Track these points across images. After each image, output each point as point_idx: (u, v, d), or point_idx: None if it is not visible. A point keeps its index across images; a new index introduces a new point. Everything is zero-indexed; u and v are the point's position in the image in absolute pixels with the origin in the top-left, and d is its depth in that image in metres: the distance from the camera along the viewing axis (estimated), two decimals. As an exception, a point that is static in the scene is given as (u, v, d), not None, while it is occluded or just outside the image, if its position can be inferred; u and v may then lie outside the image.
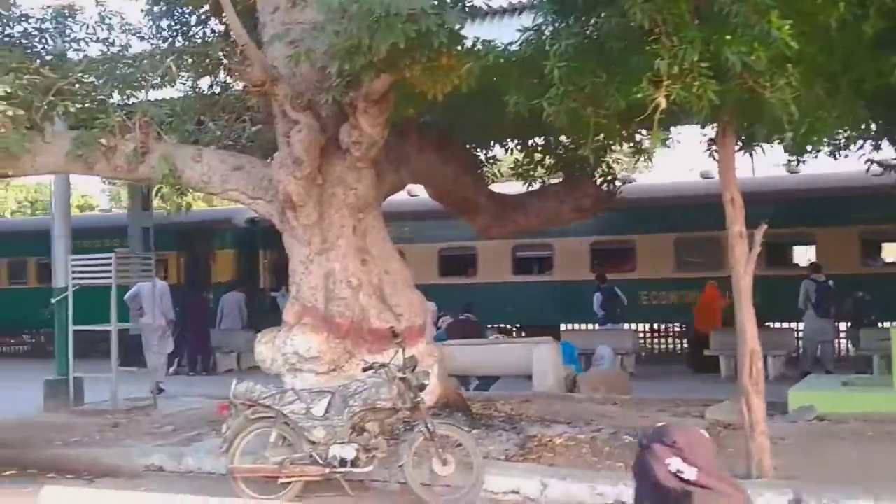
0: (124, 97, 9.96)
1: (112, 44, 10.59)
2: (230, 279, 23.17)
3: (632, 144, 9.77)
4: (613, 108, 7.29)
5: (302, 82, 9.17)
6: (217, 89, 10.98)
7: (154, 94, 10.35)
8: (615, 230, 20.78)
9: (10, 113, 8.47)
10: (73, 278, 12.85)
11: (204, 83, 11.01)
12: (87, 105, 9.51)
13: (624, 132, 8.91)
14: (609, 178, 11.56)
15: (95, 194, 68.62)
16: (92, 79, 9.56)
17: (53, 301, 13.42)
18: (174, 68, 9.55)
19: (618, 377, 14.89)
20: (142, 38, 11.10)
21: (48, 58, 9.90)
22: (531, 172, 12.09)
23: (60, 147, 9.51)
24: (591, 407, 11.64)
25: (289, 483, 8.15)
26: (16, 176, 9.64)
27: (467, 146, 12.10)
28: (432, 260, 22.23)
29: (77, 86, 9.52)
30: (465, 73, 7.92)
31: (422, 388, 8.29)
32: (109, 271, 12.65)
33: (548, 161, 12.27)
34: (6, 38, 10.20)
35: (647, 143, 9.48)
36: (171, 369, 21.97)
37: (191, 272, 24.81)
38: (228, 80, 10.74)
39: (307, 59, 8.08)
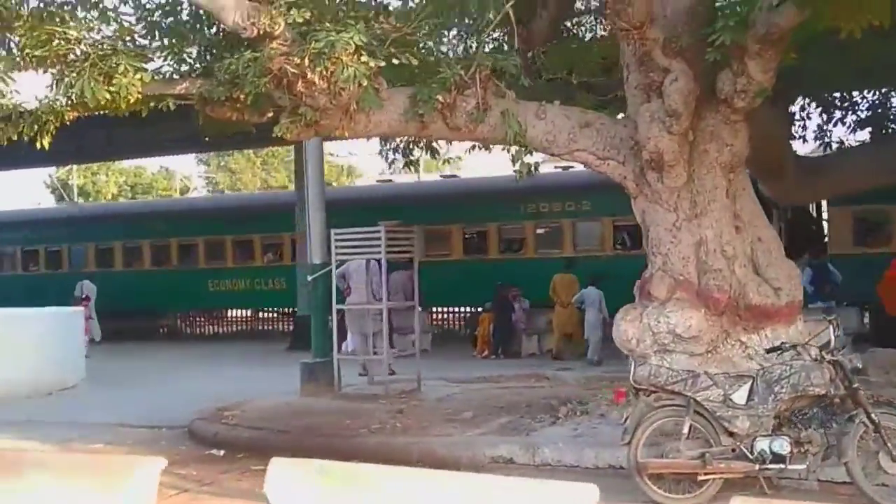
0: (457, 48, 8.98)
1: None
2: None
3: None
4: None
5: (670, 24, 8.08)
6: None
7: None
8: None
9: (371, 64, 7.54)
10: (337, 253, 12.00)
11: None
12: (424, 58, 8.54)
13: None
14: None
15: (193, 178, 69.11)
16: (425, 28, 8.56)
17: (310, 278, 12.60)
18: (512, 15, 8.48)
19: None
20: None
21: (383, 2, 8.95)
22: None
23: (396, 105, 8.56)
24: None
25: (706, 481, 7.10)
26: (347, 137, 8.73)
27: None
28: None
29: (410, 37, 8.55)
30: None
31: (856, 371, 7.15)
32: (377, 245, 11.76)
33: (849, 119, 11.03)
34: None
35: None
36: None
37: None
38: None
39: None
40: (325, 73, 7.65)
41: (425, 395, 12.03)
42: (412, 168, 13.96)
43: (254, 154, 66.54)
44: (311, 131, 8.54)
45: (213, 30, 9.04)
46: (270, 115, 8.59)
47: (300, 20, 7.94)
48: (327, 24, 7.82)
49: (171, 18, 9.21)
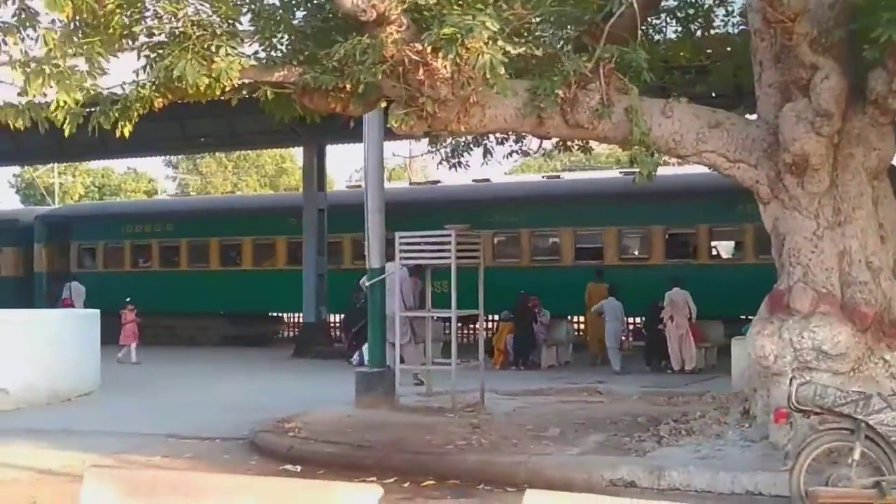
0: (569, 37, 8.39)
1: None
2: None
3: None
4: None
5: (814, 18, 7.57)
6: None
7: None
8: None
9: (509, 49, 6.93)
10: (402, 257, 11.34)
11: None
12: (545, 49, 7.96)
13: None
14: None
15: (160, 180, 67.80)
16: (538, 17, 7.96)
17: (367, 283, 11.93)
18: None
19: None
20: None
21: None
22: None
23: (513, 99, 7.96)
24: None
25: (883, 512, 6.57)
26: (461, 133, 8.14)
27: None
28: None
29: (532, 26, 7.97)
30: None
31: None
32: (446, 249, 11.12)
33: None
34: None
35: None
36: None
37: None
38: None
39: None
40: (457, 60, 7.05)
41: (491, 409, 11.41)
42: (458, 169, 13.36)
43: (225, 157, 65.53)
44: (425, 124, 7.92)
45: (313, 15, 8.42)
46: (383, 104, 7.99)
47: (422, 1, 7.34)
48: (455, 8, 7.22)
49: (261, 1, 8.58)
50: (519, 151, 12.73)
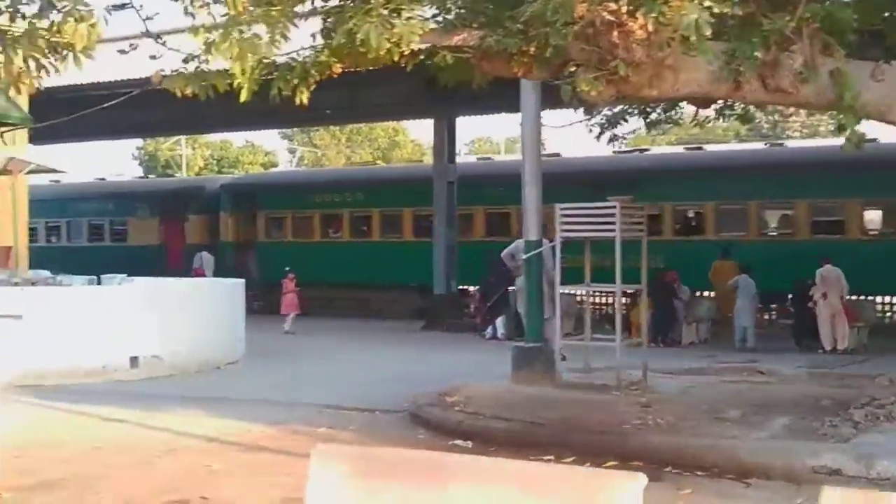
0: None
1: None
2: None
3: None
4: None
5: None
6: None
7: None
8: None
9: (716, 10, 6.48)
10: (563, 230, 10.99)
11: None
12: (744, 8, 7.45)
13: None
14: None
15: (277, 152, 68.71)
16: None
17: (524, 256, 11.62)
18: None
19: None
20: None
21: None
22: None
23: (708, 63, 7.49)
24: None
25: None
26: (651, 99, 7.76)
27: None
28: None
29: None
30: None
31: None
32: (610, 222, 10.72)
33: None
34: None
35: None
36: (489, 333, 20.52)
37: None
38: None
39: None
40: (659, 19, 6.63)
41: (657, 388, 11.00)
42: (614, 142, 12.97)
43: (339, 130, 66.14)
44: (613, 89, 7.51)
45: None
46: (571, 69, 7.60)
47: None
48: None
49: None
50: (670, 120, 12.33)
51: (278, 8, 7.15)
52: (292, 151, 65.69)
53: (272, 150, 71.93)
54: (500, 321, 20.45)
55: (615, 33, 7.06)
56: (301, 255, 24.79)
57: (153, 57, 7.85)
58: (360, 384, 12.90)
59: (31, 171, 6.54)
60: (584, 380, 11.30)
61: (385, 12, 7.17)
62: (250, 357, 15.54)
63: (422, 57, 8.07)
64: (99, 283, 15.82)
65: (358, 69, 8.01)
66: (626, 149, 25.51)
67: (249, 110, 17.43)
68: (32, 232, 30.87)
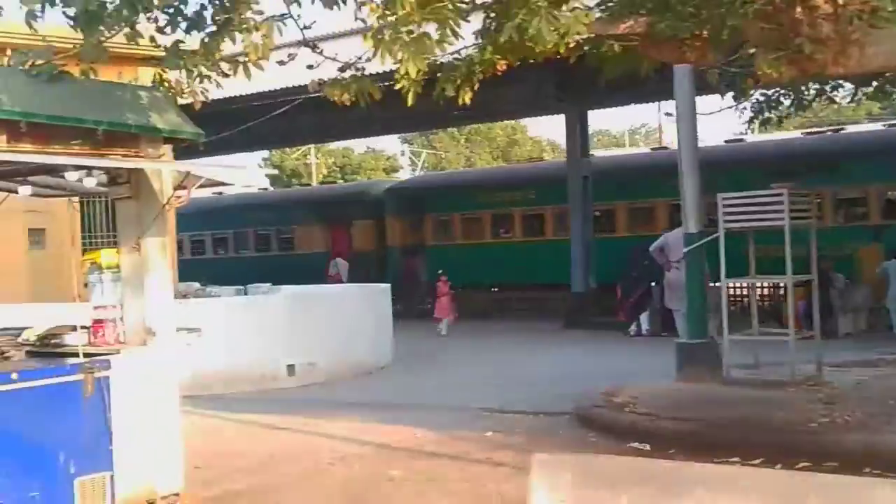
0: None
1: None
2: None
3: None
4: None
5: None
6: None
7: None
8: None
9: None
10: (726, 220, 10.55)
11: None
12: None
13: None
14: None
15: (398, 156, 69.07)
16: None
17: (685, 250, 11.21)
18: None
19: None
20: None
21: None
22: None
23: (892, 36, 7.02)
24: None
25: None
26: (835, 76, 7.36)
27: None
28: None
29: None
30: None
31: None
32: (778, 211, 10.23)
33: None
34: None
35: None
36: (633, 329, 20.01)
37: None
38: None
39: None
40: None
41: (833, 383, 10.44)
42: (768, 127, 12.53)
43: (457, 131, 66.17)
44: (795, 69, 7.12)
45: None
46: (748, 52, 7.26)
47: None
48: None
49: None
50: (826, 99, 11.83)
51: (445, 4, 7.01)
52: (416, 154, 66.05)
53: (392, 155, 72.59)
54: (644, 317, 19.99)
55: (798, 9, 6.69)
56: (471, 257, 24.66)
57: (310, 66, 7.83)
58: (515, 386, 12.72)
59: (201, 186, 6.63)
60: (754, 376, 10.81)
61: (545, 4, 6.97)
62: (401, 361, 15.57)
63: (585, 48, 7.85)
64: (245, 293, 16.10)
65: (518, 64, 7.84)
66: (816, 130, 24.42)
67: (370, 117, 17.53)
68: (199, 244, 31.37)
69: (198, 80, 7.03)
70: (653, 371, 12.47)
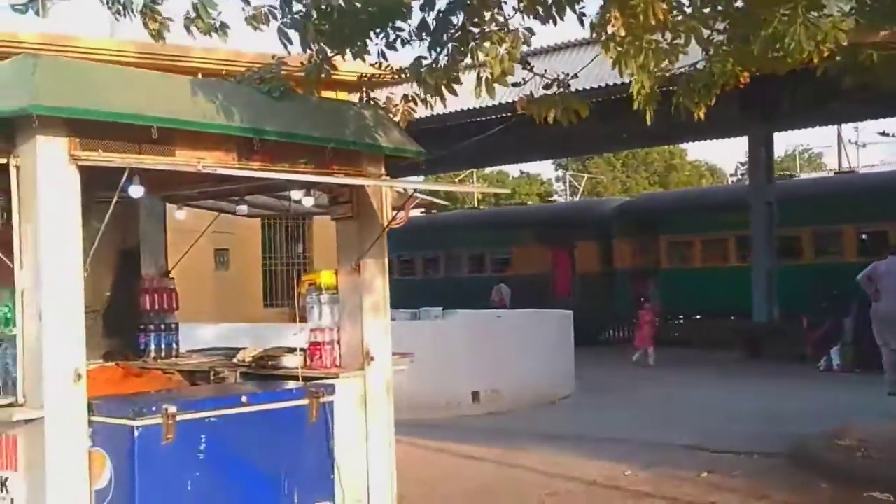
0: None
1: None
2: None
3: None
4: None
5: None
6: None
7: None
8: None
9: None
10: None
11: None
12: None
13: None
14: None
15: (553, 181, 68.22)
16: None
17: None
18: None
19: None
20: None
21: None
22: None
23: None
24: None
25: None
26: None
27: None
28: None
29: None
30: None
31: None
32: None
33: None
34: None
35: None
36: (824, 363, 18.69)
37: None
38: None
39: None
40: None
41: None
42: None
43: (613, 157, 64.98)
44: None
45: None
46: None
47: None
48: None
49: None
50: None
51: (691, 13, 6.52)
52: (576, 179, 65.06)
53: (547, 180, 72.13)
54: (834, 351, 18.76)
55: None
56: (711, 283, 23.12)
57: (515, 84, 7.42)
58: (713, 422, 11.98)
59: (415, 206, 6.41)
60: None
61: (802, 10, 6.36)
62: (582, 391, 15.02)
63: (838, 58, 7.18)
64: (418, 317, 15.85)
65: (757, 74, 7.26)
66: None
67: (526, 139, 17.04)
68: (408, 265, 30.79)
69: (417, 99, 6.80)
70: (860, 410, 11.67)
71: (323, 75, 6.56)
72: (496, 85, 6.23)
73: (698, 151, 70.08)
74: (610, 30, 6.50)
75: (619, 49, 6.54)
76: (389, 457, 6.80)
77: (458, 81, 6.37)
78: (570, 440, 10.98)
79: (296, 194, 6.88)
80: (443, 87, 6.27)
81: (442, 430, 11.67)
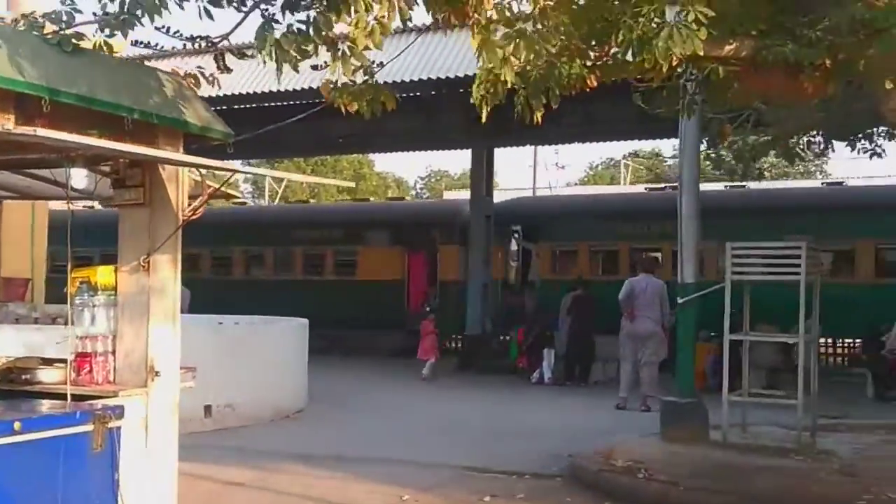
0: None
1: None
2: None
3: None
4: None
5: None
6: None
7: None
8: None
9: None
10: (734, 272, 9.83)
11: None
12: None
13: None
14: None
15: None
16: None
17: (682, 300, 10.40)
18: None
19: None
20: None
21: None
22: None
23: None
24: None
25: None
26: None
27: None
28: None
29: None
30: None
31: None
32: (794, 265, 9.57)
33: None
34: None
35: None
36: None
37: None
38: None
39: None
40: None
41: (833, 449, 9.84)
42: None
43: (304, 161, 64.18)
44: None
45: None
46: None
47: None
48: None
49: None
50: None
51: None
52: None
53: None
54: (545, 364, 19.21)
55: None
56: None
57: (315, 67, 6.54)
58: (459, 439, 11.58)
59: (215, 197, 5.34)
60: (750, 441, 10.07)
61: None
62: (316, 405, 14.09)
63: (679, 69, 6.93)
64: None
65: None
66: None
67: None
68: (225, 261, 26.05)
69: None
70: (597, 427, 11.65)
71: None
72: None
73: (384, 164, 71.16)
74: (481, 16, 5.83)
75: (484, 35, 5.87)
76: (172, 490, 5.67)
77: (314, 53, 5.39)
78: (328, 460, 10.03)
79: (79, 173, 5.51)
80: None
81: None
